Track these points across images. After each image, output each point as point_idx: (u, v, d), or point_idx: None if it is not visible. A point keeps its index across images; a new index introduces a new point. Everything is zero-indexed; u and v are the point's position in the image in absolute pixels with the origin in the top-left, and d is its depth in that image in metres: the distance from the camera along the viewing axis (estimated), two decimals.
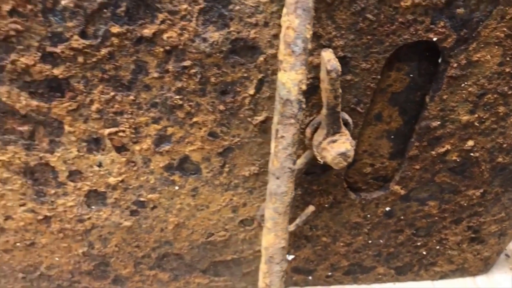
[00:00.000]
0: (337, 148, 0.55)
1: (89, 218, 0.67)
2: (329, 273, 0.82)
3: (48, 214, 0.66)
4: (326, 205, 0.71)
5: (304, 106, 0.47)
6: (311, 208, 0.67)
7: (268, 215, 0.50)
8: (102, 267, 0.75)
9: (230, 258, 0.76)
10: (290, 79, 0.45)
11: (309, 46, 0.45)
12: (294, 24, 0.44)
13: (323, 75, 0.50)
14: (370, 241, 0.78)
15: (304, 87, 0.47)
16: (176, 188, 0.66)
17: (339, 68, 0.48)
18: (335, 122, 0.55)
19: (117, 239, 0.71)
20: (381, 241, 0.78)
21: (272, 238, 0.49)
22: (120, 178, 0.63)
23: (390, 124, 0.65)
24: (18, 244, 0.69)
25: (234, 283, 0.81)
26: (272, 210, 0.49)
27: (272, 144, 0.48)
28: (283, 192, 0.48)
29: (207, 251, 0.75)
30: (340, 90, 0.51)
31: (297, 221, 0.68)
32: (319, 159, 0.57)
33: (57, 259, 0.72)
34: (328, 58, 0.48)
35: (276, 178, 0.48)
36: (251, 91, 0.56)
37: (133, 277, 0.77)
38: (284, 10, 0.45)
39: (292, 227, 0.69)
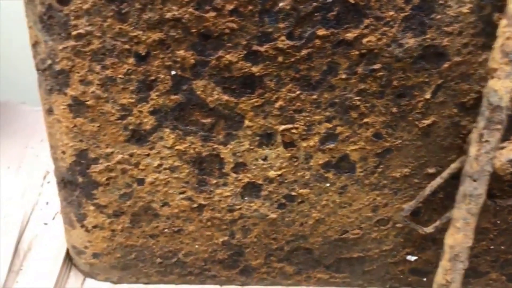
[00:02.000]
0: (506, 155, 0.58)
1: (239, 209, 0.70)
2: None
3: (203, 202, 0.69)
4: None
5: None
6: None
7: (459, 215, 0.53)
8: (235, 257, 0.78)
9: (356, 256, 0.79)
10: (503, 87, 0.47)
11: None
12: None
13: None
14: (492, 247, 0.80)
15: None
16: (327, 185, 0.68)
17: None
18: (508, 130, 0.57)
19: (258, 231, 0.74)
20: (502, 247, 0.80)
21: (460, 238, 0.52)
22: (279, 172, 0.66)
23: None
24: (166, 230, 0.73)
25: (352, 280, 0.83)
26: (465, 211, 0.52)
27: (473, 148, 0.51)
28: (479, 194, 0.51)
29: (336, 247, 0.77)
30: None
31: (437, 223, 0.70)
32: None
33: (196, 246, 0.75)
34: None
35: (474, 180, 0.50)
36: (428, 95, 0.59)
37: (260, 268, 0.80)
38: (505, 21, 0.47)
39: (430, 229, 0.71)
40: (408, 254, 0.80)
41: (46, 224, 0.86)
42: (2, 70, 1.13)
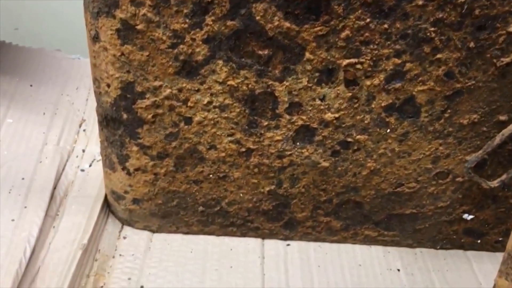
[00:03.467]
0: None
1: (289, 155, 0.66)
2: (500, 238, 0.79)
3: (251, 147, 0.65)
4: None
5: None
6: None
7: None
8: (280, 208, 0.74)
9: (409, 212, 0.74)
10: None
11: None
12: None
13: None
14: None
15: None
16: (388, 131, 0.63)
17: None
18: None
19: (307, 180, 0.69)
20: None
21: None
22: (337, 115, 0.61)
23: None
24: (211, 175, 0.69)
25: (402, 239, 0.79)
26: None
27: None
28: None
29: (389, 202, 0.73)
30: None
31: (503, 177, 0.65)
32: None
33: (241, 195, 0.71)
34: None
35: None
36: (511, 28, 0.53)
37: (305, 222, 0.76)
38: None
39: (495, 183, 0.66)
40: (464, 212, 0.75)
41: (83, 170, 0.83)
42: (39, 17, 1.10)
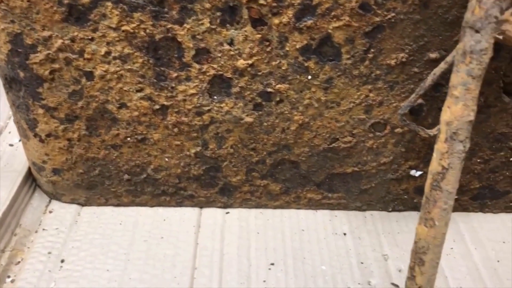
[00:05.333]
0: None
1: (208, 111, 0.61)
2: (455, 197, 0.73)
3: (165, 103, 0.60)
4: None
5: None
6: None
7: (458, 80, 0.42)
8: (212, 173, 0.69)
9: (350, 171, 0.69)
10: None
11: None
12: None
13: None
14: (511, 158, 0.68)
15: None
16: (309, 77, 0.58)
17: None
18: None
19: (234, 139, 0.64)
20: None
21: (459, 109, 0.41)
22: (250, 61, 0.56)
23: None
24: (128, 138, 0.64)
25: (349, 201, 0.73)
26: (465, 73, 0.41)
27: None
28: (483, 49, 0.39)
29: (326, 160, 0.67)
30: None
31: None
32: (497, 35, 0.48)
33: (166, 159, 0.67)
34: None
35: (476, 31, 0.39)
36: None
37: (242, 187, 0.71)
38: None
39: (434, 131, 0.60)
40: (411, 168, 0.69)
41: (11, 145, 0.79)
42: None
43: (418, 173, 0.70)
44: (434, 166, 0.44)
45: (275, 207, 0.74)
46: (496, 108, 0.62)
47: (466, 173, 0.70)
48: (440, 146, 0.43)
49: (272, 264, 0.67)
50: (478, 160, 0.68)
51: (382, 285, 0.65)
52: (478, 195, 0.73)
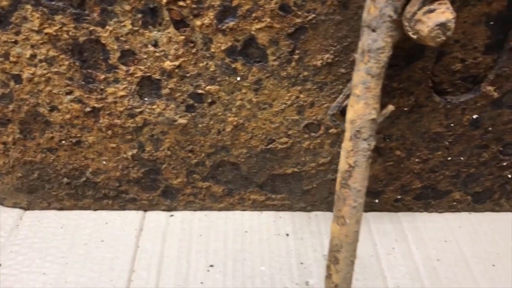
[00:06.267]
0: (435, 18, 0.46)
1: (141, 113, 0.61)
2: (398, 197, 0.74)
3: (96, 105, 0.60)
4: (406, 109, 0.63)
5: None
6: (390, 108, 0.58)
7: (358, 78, 0.42)
8: (152, 175, 0.69)
9: (290, 172, 0.69)
10: None
11: None
12: None
13: None
14: (449, 158, 0.69)
15: None
16: (238, 79, 0.58)
17: None
18: None
19: (170, 141, 0.64)
20: (462, 158, 0.69)
21: (361, 108, 0.41)
22: (177, 63, 0.56)
23: (492, 5, 0.55)
24: (63, 141, 0.64)
25: (293, 202, 0.73)
26: (364, 72, 0.41)
27: None
28: (380, 48, 0.40)
29: (266, 161, 0.68)
30: None
31: None
32: (412, 35, 0.48)
33: (104, 162, 0.66)
34: None
35: (372, 30, 0.39)
36: None
37: (184, 189, 0.71)
38: None
39: None
40: None
41: None
42: None
43: None
44: (342, 164, 0.44)
45: (220, 209, 0.74)
46: (428, 107, 0.63)
47: (406, 173, 0.71)
48: (346, 145, 0.44)
49: (211, 265, 0.67)
50: (417, 160, 0.69)
51: (320, 285, 0.65)
52: (421, 195, 0.74)
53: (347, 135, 0.43)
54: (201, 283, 0.64)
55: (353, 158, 0.43)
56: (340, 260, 0.46)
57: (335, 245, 0.46)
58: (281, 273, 0.66)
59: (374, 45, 0.40)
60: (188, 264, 0.67)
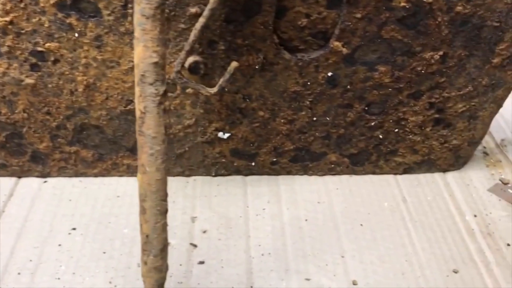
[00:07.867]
0: None
1: None
2: (274, 159, 0.74)
3: None
4: (257, 67, 0.62)
5: None
6: (234, 64, 0.58)
7: (136, 21, 0.42)
8: (16, 139, 0.68)
9: None
10: None
11: None
12: None
13: None
14: (314, 118, 0.69)
15: None
16: (76, 35, 0.57)
17: None
18: None
19: (23, 103, 0.63)
20: (327, 118, 0.69)
21: (141, 51, 0.41)
22: (8, 18, 0.55)
23: None
24: None
25: (169, 166, 0.73)
26: (139, 13, 0.40)
27: None
28: None
29: (129, 123, 0.67)
30: None
31: (220, 81, 0.59)
32: None
33: None
34: None
35: None
36: None
37: (53, 154, 0.70)
38: None
39: (215, 89, 0.60)
40: (217, 130, 0.69)
41: None
42: None
43: (226, 135, 0.70)
44: (137, 111, 0.44)
45: (95, 175, 0.74)
46: (280, 65, 0.62)
47: (276, 135, 0.70)
48: (136, 90, 0.43)
49: (74, 229, 0.66)
50: (282, 121, 0.69)
51: (181, 245, 0.65)
52: (296, 157, 0.74)
53: (136, 80, 0.43)
54: (59, 245, 0.64)
55: (143, 103, 0.42)
56: (147, 210, 0.46)
57: (141, 194, 0.46)
58: None
59: None
60: (51, 227, 0.66)
